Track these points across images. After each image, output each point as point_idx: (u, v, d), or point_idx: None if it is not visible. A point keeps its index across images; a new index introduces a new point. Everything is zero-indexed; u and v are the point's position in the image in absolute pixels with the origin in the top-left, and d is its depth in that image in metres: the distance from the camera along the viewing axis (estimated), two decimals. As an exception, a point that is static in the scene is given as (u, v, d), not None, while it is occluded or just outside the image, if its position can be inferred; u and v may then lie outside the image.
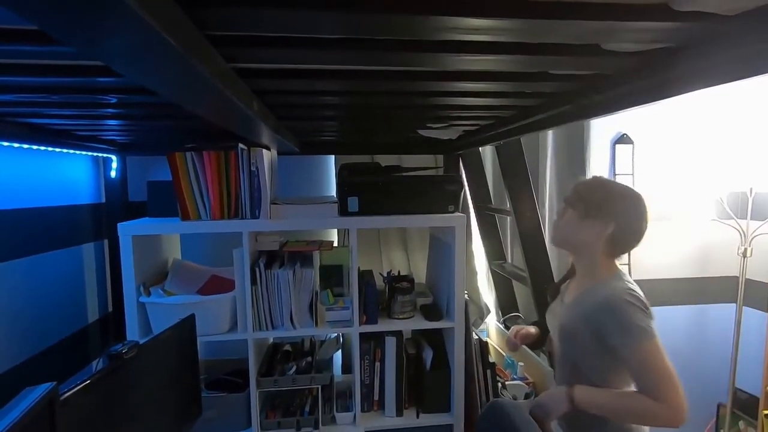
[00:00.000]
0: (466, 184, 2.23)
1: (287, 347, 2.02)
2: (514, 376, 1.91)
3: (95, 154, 2.02)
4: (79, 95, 1.09)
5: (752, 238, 2.20)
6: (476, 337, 1.87)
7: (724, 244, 2.42)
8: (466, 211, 2.21)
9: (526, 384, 1.84)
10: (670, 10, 0.63)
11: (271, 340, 2.10)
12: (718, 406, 2.47)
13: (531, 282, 1.87)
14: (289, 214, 1.68)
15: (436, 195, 1.76)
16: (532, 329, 1.48)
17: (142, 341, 1.27)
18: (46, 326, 1.69)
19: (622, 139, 2.37)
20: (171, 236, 2.00)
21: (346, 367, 2.21)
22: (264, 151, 1.64)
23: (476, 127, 1.79)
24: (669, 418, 1.02)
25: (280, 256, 1.83)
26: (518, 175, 1.87)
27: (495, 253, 2.33)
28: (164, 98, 1.03)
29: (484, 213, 2.31)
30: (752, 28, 0.64)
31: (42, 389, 0.85)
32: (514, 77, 1.01)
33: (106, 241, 2.12)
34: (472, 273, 2.38)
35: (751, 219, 2.20)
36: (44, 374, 1.65)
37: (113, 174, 2.11)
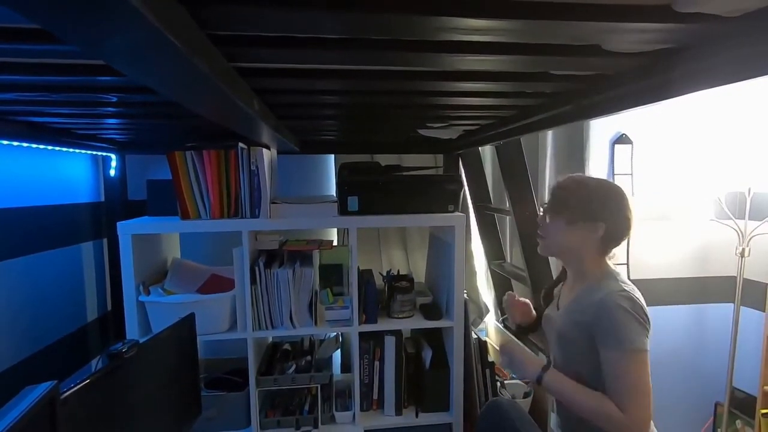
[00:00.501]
0: (465, 183, 2.23)
1: (287, 346, 2.02)
2: (513, 376, 1.91)
3: (95, 152, 2.02)
4: (80, 94, 1.09)
5: (750, 238, 2.21)
6: (475, 336, 1.88)
7: (722, 244, 2.43)
8: (465, 210, 2.21)
9: (525, 383, 1.84)
10: (672, 11, 0.63)
11: (271, 340, 2.10)
12: (716, 406, 2.48)
13: (530, 282, 1.87)
14: (288, 213, 1.68)
15: (436, 194, 1.77)
16: (531, 307, 1.43)
17: (141, 340, 1.27)
18: (46, 325, 1.69)
19: (621, 139, 2.38)
20: (170, 235, 1.99)
21: (346, 367, 2.21)
22: (264, 150, 1.64)
23: (476, 127, 1.79)
24: (623, 429, 0.99)
25: (279, 255, 1.83)
26: (518, 175, 1.87)
27: (494, 252, 2.34)
28: (165, 97, 1.03)
29: (483, 213, 2.31)
30: (754, 29, 0.65)
31: (42, 388, 0.85)
32: (515, 77, 1.01)
33: (105, 240, 2.12)
34: (471, 272, 2.38)
35: (749, 219, 2.20)
36: (43, 373, 1.65)
37: (112, 173, 2.11)
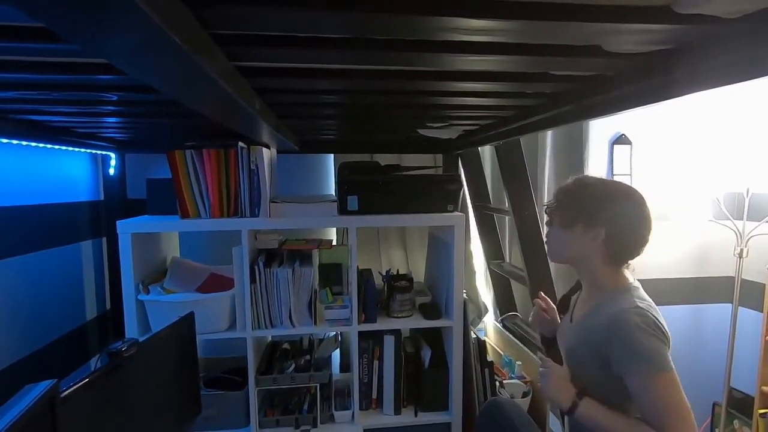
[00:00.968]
0: (465, 183, 2.24)
1: (286, 346, 2.02)
2: (512, 375, 1.92)
3: (94, 151, 2.01)
4: (80, 92, 1.09)
5: (748, 239, 2.21)
6: (474, 336, 1.88)
7: (721, 245, 2.44)
8: (464, 210, 2.22)
9: (524, 383, 1.84)
10: (672, 12, 0.64)
11: (270, 339, 2.10)
12: (714, 405, 2.49)
13: (529, 281, 1.87)
14: (288, 212, 1.68)
15: (436, 194, 1.77)
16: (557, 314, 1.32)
17: (141, 339, 1.27)
18: (45, 323, 1.69)
19: (621, 139, 2.38)
20: (170, 234, 1.99)
21: (345, 366, 2.21)
22: (264, 149, 1.64)
23: (476, 127, 1.79)
24: None
25: (279, 254, 1.83)
26: (517, 175, 1.87)
27: (493, 252, 2.34)
28: (165, 96, 1.03)
29: (482, 212, 2.32)
30: (753, 31, 0.65)
31: (43, 386, 0.85)
32: (515, 78, 1.01)
33: (104, 239, 2.12)
34: (470, 272, 2.39)
35: (747, 220, 2.21)
36: (42, 371, 1.65)
37: (112, 171, 2.11)
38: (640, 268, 2.44)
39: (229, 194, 1.66)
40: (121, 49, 0.60)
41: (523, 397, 1.79)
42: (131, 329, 1.60)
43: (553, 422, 1.70)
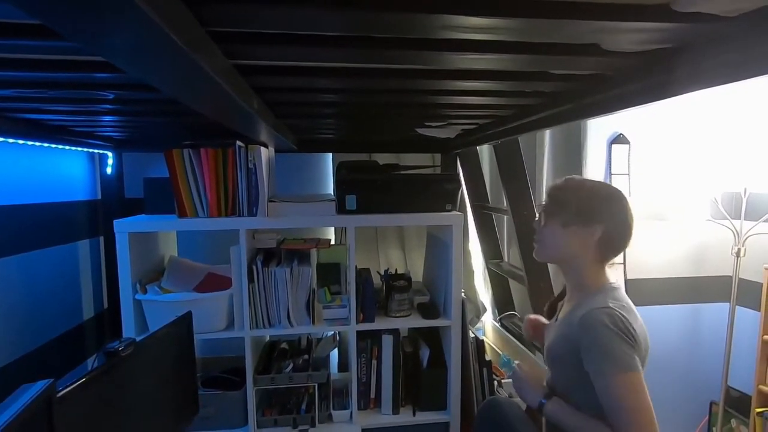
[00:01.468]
0: (463, 183, 2.24)
1: (284, 345, 2.01)
2: (510, 375, 1.92)
3: (92, 150, 2.01)
4: (77, 91, 1.08)
5: (746, 239, 2.22)
6: (473, 335, 1.88)
7: (718, 244, 2.44)
8: (463, 209, 2.22)
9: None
10: (671, 11, 0.64)
11: (268, 338, 2.10)
12: (711, 404, 2.50)
13: (527, 281, 1.87)
14: (286, 211, 1.68)
15: (434, 194, 1.77)
16: (544, 320, 1.34)
17: (138, 338, 1.26)
18: (42, 323, 1.68)
19: (619, 139, 2.39)
20: (167, 233, 1.99)
21: (343, 365, 2.21)
22: (262, 148, 1.63)
23: (474, 126, 1.79)
24: None
25: (277, 253, 1.83)
26: (515, 175, 1.87)
27: (492, 251, 2.34)
28: (163, 94, 1.03)
29: (481, 212, 2.32)
30: (752, 29, 0.65)
31: (39, 386, 0.85)
32: (514, 76, 1.01)
33: (102, 238, 2.11)
34: (469, 272, 2.39)
35: (744, 219, 2.22)
36: (39, 371, 1.64)
37: (109, 170, 2.10)
38: (638, 267, 2.47)
39: (227, 193, 1.65)
40: (119, 47, 0.59)
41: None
42: (128, 329, 1.59)
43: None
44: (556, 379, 1.14)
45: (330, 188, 2.30)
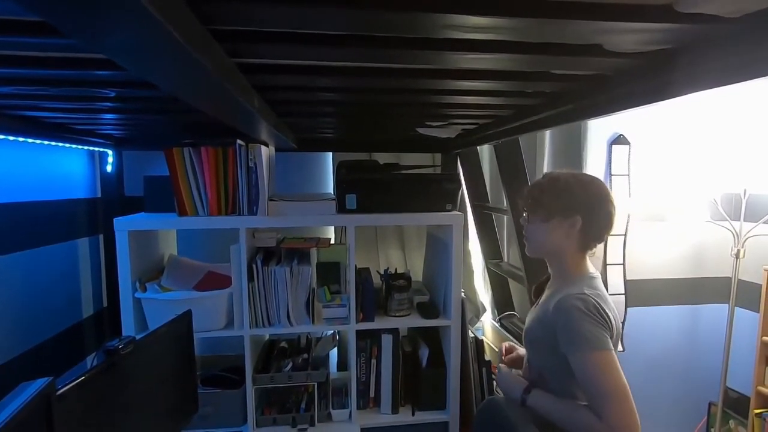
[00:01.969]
0: (463, 182, 2.24)
1: (284, 344, 2.01)
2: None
3: (91, 148, 2.00)
4: (77, 88, 1.08)
5: (745, 240, 2.22)
6: (472, 335, 1.88)
7: (718, 245, 2.45)
8: (463, 209, 2.22)
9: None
10: (673, 11, 0.64)
11: (268, 337, 2.10)
12: (709, 405, 2.50)
13: (527, 281, 1.87)
14: (286, 210, 1.68)
15: (434, 193, 1.77)
16: (522, 351, 1.39)
17: (138, 337, 1.26)
18: (41, 321, 1.68)
19: (619, 139, 2.38)
20: (167, 232, 1.99)
21: (343, 365, 2.21)
22: (262, 147, 1.63)
23: (475, 126, 1.79)
24: None
25: (277, 252, 1.82)
26: (516, 175, 1.87)
27: (492, 251, 2.34)
28: (163, 92, 1.03)
29: (481, 212, 2.32)
30: (754, 30, 0.65)
31: (38, 384, 0.85)
32: (515, 76, 1.01)
33: (101, 236, 2.11)
34: (468, 271, 2.39)
35: (744, 220, 2.22)
36: (38, 369, 1.64)
37: (109, 168, 2.10)
38: (637, 268, 2.47)
39: (227, 192, 1.65)
40: (119, 45, 0.59)
41: (520, 396, 1.79)
42: (128, 327, 1.59)
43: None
44: (533, 358, 1.21)
45: (330, 187, 2.30)
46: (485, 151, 2.34)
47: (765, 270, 2.12)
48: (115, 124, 1.75)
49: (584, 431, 0.99)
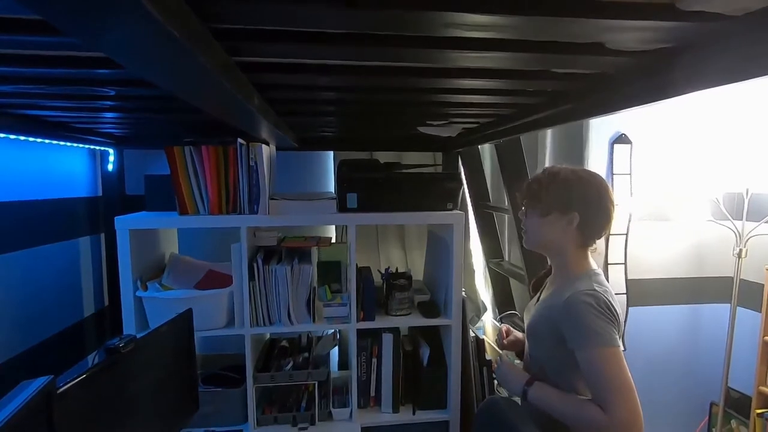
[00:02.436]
0: (464, 181, 2.23)
1: (284, 343, 2.01)
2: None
3: (92, 146, 2.01)
4: (77, 87, 1.08)
5: (747, 239, 2.21)
6: (473, 334, 1.88)
7: (720, 245, 2.44)
8: (464, 208, 2.21)
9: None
10: (675, 10, 0.63)
11: (268, 336, 2.10)
12: (711, 405, 2.50)
13: (528, 280, 1.87)
14: (287, 209, 1.68)
15: (435, 192, 1.76)
16: (521, 335, 1.42)
17: (139, 335, 1.26)
18: (42, 319, 1.68)
19: (621, 138, 2.38)
20: (168, 230, 1.99)
21: (343, 364, 2.21)
22: (263, 146, 1.63)
23: (476, 125, 1.79)
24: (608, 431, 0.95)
25: (278, 251, 1.82)
26: (517, 174, 1.87)
27: (492, 251, 2.34)
28: (164, 91, 1.02)
29: (482, 211, 2.32)
30: (756, 28, 0.64)
31: (39, 382, 0.85)
32: (516, 75, 1.01)
33: (102, 235, 2.11)
34: (469, 271, 2.39)
35: (746, 220, 2.21)
36: (39, 367, 1.64)
37: (110, 167, 2.10)
38: (639, 267, 2.46)
39: (228, 191, 1.65)
40: (119, 43, 0.59)
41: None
42: (129, 326, 1.59)
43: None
44: (535, 352, 1.20)
45: (331, 186, 2.29)
46: (486, 150, 2.34)
47: (767, 269, 2.11)
48: (115, 122, 1.75)
49: (588, 424, 1.00)
